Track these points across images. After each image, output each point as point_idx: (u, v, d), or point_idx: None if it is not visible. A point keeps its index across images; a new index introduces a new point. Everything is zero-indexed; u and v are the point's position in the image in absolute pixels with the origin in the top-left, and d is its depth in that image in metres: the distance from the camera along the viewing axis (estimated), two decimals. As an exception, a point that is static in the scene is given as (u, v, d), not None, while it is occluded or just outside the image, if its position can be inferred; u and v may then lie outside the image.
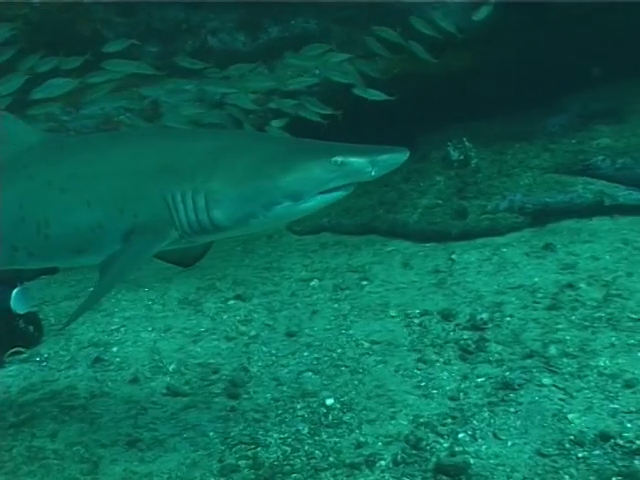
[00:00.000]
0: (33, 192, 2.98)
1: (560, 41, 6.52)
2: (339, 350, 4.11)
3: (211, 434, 3.38)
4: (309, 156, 2.79)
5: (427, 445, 3.11)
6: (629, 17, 6.00)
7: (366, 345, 4.15)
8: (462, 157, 6.43)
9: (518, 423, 3.19)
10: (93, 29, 5.94)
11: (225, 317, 4.82)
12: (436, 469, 2.93)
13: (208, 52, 6.14)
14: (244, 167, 2.79)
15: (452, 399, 3.48)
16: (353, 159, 2.73)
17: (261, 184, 2.74)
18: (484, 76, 6.62)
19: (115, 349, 4.45)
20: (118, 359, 4.31)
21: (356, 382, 3.74)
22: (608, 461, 2.78)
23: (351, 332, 4.34)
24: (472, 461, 2.96)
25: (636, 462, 2.73)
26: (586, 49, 6.32)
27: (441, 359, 3.88)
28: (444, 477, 2.87)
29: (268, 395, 3.74)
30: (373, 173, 2.75)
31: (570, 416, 3.13)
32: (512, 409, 3.29)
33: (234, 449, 3.24)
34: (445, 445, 3.10)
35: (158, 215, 2.80)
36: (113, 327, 4.73)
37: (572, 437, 2.99)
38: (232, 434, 3.36)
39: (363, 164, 2.73)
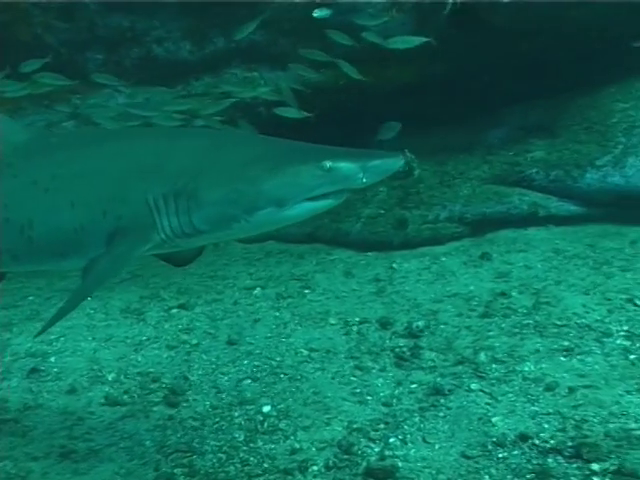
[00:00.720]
0: (17, 192, 2.84)
1: (500, 58, 6.78)
2: (278, 358, 4.18)
3: (148, 443, 3.40)
4: (296, 159, 2.67)
5: (359, 450, 3.22)
6: (560, 38, 6.27)
7: (305, 353, 4.24)
8: (406, 168, 6.58)
9: (446, 427, 3.32)
10: (34, 34, 5.84)
11: (167, 326, 4.83)
12: (366, 473, 3.03)
13: (153, 61, 6.14)
14: (227, 168, 2.70)
15: (386, 405, 3.59)
16: (343, 164, 2.59)
17: (243, 187, 2.63)
18: (428, 89, 6.82)
19: (53, 359, 4.41)
20: (56, 369, 4.27)
21: (294, 389, 3.82)
22: (525, 460, 2.94)
23: (291, 340, 4.42)
24: (400, 464, 3.08)
25: (549, 460, 2.89)
26: (523, 66, 6.59)
27: (377, 366, 3.99)
28: (373, 480, 2.97)
29: (207, 403, 3.79)
30: (364, 180, 2.61)
31: (494, 419, 3.29)
32: (441, 414, 3.43)
33: (170, 457, 3.28)
34: (376, 450, 3.21)
35: (140, 218, 2.70)
36: (52, 337, 4.68)
37: (494, 439, 3.14)
38: (169, 443, 3.40)
39: (353, 170, 2.59)
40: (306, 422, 3.50)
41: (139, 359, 4.37)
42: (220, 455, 3.28)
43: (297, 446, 3.29)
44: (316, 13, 5.57)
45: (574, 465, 2.81)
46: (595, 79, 6.50)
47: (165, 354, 4.43)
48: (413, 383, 3.76)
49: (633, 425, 3.02)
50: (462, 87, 6.72)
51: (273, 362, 4.14)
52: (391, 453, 3.17)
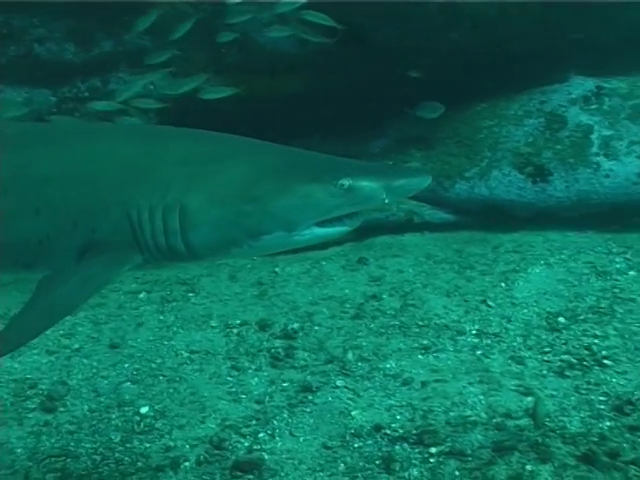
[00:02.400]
0: None
1: (381, 73, 7.21)
2: (159, 360, 4.33)
3: (19, 451, 3.44)
4: (309, 175, 2.34)
5: (229, 445, 3.44)
6: (438, 57, 6.77)
7: (185, 355, 4.40)
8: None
9: (311, 421, 3.61)
10: None
11: (48, 331, 4.81)
12: (233, 466, 3.26)
13: (36, 60, 6.04)
14: (229, 182, 2.34)
15: (258, 402, 3.83)
16: (364, 183, 2.29)
17: (248, 207, 2.29)
18: (316, 100, 7.14)
19: None
20: None
21: (172, 390, 3.98)
22: (376, 448, 3.27)
23: (173, 342, 4.57)
24: (267, 457, 3.33)
25: (396, 447, 3.24)
26: (401, 79, 7.05)
27: (253, 366, 4.23)
28: (239, 473, 3.20)
29: (85, 407, 3.87)
30: (387, 200, 2.34)
31: (354, 413, 3.61)
32: (308, 409, 3.72)
33: (42, 463, 3.34)
34: (246, 444, 3.45)
35: (119, 233, 2.34)
36: None
37: (352, 430, 3.46)
38: (42, 449, 3.46)
39: (376, 190, 2.31)
40: (182, 421, 3.67)
41: (16, 366, 4.35)
42: (95, 457, 3.39)
43: (171, 444, 3.46)
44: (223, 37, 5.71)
45: (416, 450, 3.18)
46: (467, 97, 7.08)
47: (45, 359, 4.44)
48: (285, 382, 4.03)
49: (469, 412, 3.44)
50: (347, 99, 7.10)
51: (153, 364, 4.28)
52: (259, 447, 3.41)
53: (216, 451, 3.39)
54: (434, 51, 6.88)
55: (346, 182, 2.28)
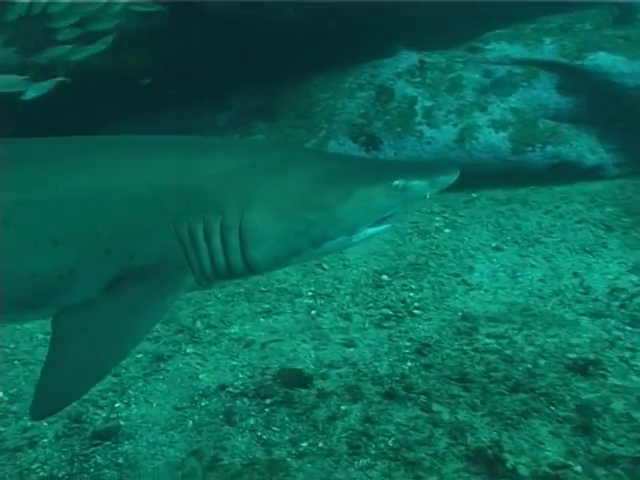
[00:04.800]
0: None
1: (221, 45, 7.44)
2: (13, 345, 4.49)
3: None
4: (367, 179, 2.32)
5: (87, 418, 3.76)
6: (277, 27, 7.12)
7: (41, 337, 4.60)
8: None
9: (164, 387, 4.02)
10: None
11: None
12: (92, 436, 3.60)
13: None
14: (290, 192, 2.22)
15: (115, 375, 4.16)
16: (415, 182, 2.34)
17: (314, 216, 2.20)
18: (159, 73, 7.26)
19: None
20: None
21: (27, 373, 4.20)
22: (220, 405, 3.76)
23: (27, 326, 4.73)
24: (123, 423, 3.71)
25: (237, 402, 3.75)
26: (246, 54, 7.35)
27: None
28: (98, 441, 3.56)
29: (-62, 397, 3.99)
30: (427, 196, 2.42)
31: (201, 376, 4.07)
32: (161, 377, 4.12)
33: None
34: (103, 415, 3.79)
35: (166, 257, 2.11)
36: None
37: (200, 392, 3.92)
38: None
39: (424, 187, 2.37)
40: (39, 401, 3.92)
41: None
42: (-48, 445, 3.58)
43: (29, 425, 3.72)
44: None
45: (254, 402, 3.70)
46: (305, 71, 7.55)
47: None
48: (140, 353, 4.38)
49: (300, 366, 4.02)
50: (190, 73, 7.30)
51: (7, 349, 4.44)
52: (116, 415, 3.77)
53: (75, 424, 3.71)
54: (272, 23, 7.21)
55: (400, 183, 2.30)
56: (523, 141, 7.13)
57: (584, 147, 7.26)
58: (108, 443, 3.54)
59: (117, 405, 3.87)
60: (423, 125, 7.15)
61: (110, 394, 3.98)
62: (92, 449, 3.48)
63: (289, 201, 2.21)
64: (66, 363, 1.98)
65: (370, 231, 2.36)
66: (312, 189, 2.24)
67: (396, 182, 2.30)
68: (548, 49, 7.53)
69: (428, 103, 7.27)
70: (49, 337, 4.49)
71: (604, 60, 7.23)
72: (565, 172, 7.12)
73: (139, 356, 4.35)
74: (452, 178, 2.45)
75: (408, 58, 7.64)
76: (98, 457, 3.42)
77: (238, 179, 2.19)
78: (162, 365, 4.22)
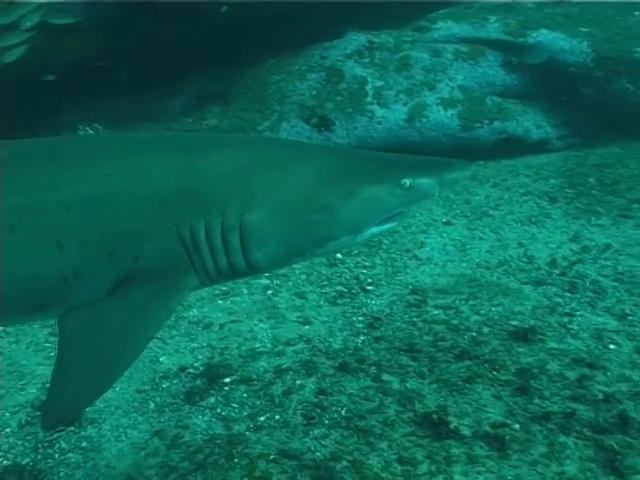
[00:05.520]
0: None
1: (177, 30, 7.42)
2: (-28, 338, 4.53)
3: None
4: (373, 177, 2.26)
5: (50, 405, 3.85)
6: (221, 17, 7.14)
7: (-1, 329, 4.64)
8: (94, 138, 6.99)
9: (126, 372, 4.11)
10: None
11: None
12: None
13: None
14: (292, 192, 2.19)
15: (76, 363, 4.25)
16: (422, 180, 2.28)
17: (317, 216, 2.18)
18: (111, 59, 7.21)
19: None
20: None
21: (-12, 364, 4.25)
22: (181, 386, 3.89)
23: None
24: (88, 409, 3.80)
25: (197, 382, 3.87)
26: (198, 38, 7.34)
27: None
28: (62, 427, 3.64)
29: None
30: (436, 194, 2.37)
31: (162, 359, 4.18)
32: (122, 362, 4.21)
33: None
34: (65, 401, 3.88)
35: (170, 258, 2.11)
36: None
37: (161, 374, 4.03)
38: None
39: (432, 186, 2.31)
40: (1, 392, 3.99)
41: None
42: None
43: (-9, 415, 3.79)
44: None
45: (214, 382, 3.83)
46: (256, 54, 7.59)
47: None
48: (100, 340, 4.46)
49: (258, 345, 4.17)
50: (143, 57, 7.26)
51: (-33, 342, 4.47)
52: (78, 402, 3.87)
53: (38, 412, 3.79)
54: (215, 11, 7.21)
55: (407, 181, 2.25)
56: (471, 118, 7.34)
57: (530, 122, 7.51)
58: (72, 428, 3.64)
59: (80, 391, 3.95)
60: (374, 105, 7.29)
61: (72, 381, 4.06)
62: (56, 435, 3.58)
63: (291, 201, 2.17)
64: (74, 370, 2.00)
65: (375, 230, 2.32)
66: (315, 188, 2.19)
67: (402, 181, 2.25)
68: (492, 27, 7.73)
69: (378, 83, 7.41)
70: (9, 328, 4.55)
71: (545, 37, 7.47)
72: (512, 147, 7.37)
73: (100, 343, 4.43)
74: (463, 175, 2.41)
75: (357, 39, 7.74)
76: (62, 442, 3.52)
77: (240, 179, 2.16)
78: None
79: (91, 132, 7.04)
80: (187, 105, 7.63)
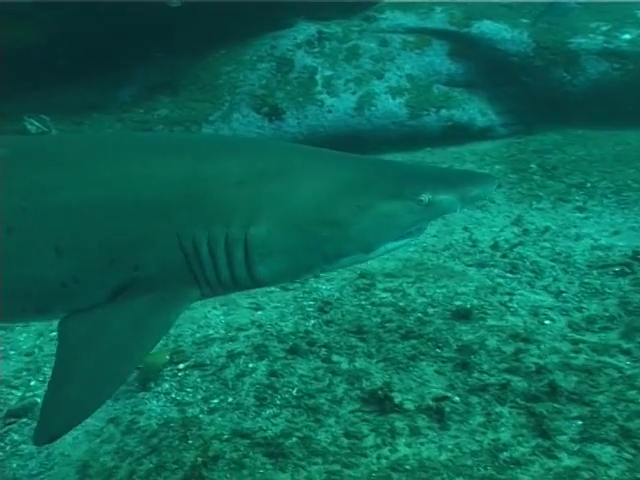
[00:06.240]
0: None
1: (123, 21, 7.37)
2: None
3: None
4: (389, 192, 2.12)
5: (1, 399, 3.86)
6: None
7: None
8: (41, 130, 6.91)
9: (79, 362, 4.16)
10: None
11: None
12: (7, 415, 3.70)
13: None
14: (302, 205, 2.06)
15: (28, 355, 4.26)
16: (443, 197, 2.14)
17: (327, 232, 2.05)
18: (56, 48, 7.12)
19: None
20: None
21: (-61, 359, 4.22)
22: (135, 373, 3.95)
23: None
24: (39, 400, 3.83)
25: (151, 370, 3.95)
26: (146, 28, 7.31)
27: (20, 325, 4.59)
28: (13, 419, 3.67)
29: None
30: (457, 211, 2.23)
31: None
32: (76, 352, 4.25)
33: None
34: (18, 394, 3.90)
35: (170, 269, 2.02)
36: None
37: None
38: None
39: (453, 203, 2.16)
40: (-47, 385, 3.99)
41: None
42: None
43: (-58, 410, 3.78)
44: None
45: (168, 368, 3.91)
46: (207, 43, 7.61)
47: None
48: (53, 331, 4.47)
49: (211, 331, 4.26)
50: (90, 47, 7.20)
51: None
52: (31, 394, 3.89)
53: (-13, 407, 3.80)
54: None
55: (426, 197, 2.12)
56: (419, 106, 7.53)
57: (475, 110, 7.76)
58: (24, 420, 3.66)
59: (32, 383, 3.98)
60: (324, 94, 7.41)
61: (24, 373, 4.08)
62: (7, 427, 3.60)
63: (300, 215, 2.05)
64: (71, 379, 1.92)
65: (390, 245, 2.19)
66: (326, 201, 2.07)
67: (422, 196, 2.11)
68: (438, 17, 7.93)
69: (327, 72, 7.52)
70: None
71: (489, 28, 7.71)
72: (458, 134, 7.61)
73: (53, 334, 4.45)
74: (488, 191, 2.26)
75: (306, 29, 7.84)
76: (14, 434, 3.55)
77: (247, 188, 2.04)
78: None
79: (37, 124, 6.96)
80: (137, 95, 7.60)
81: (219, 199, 2.01)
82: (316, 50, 7.66)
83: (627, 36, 7.35)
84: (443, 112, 7.58)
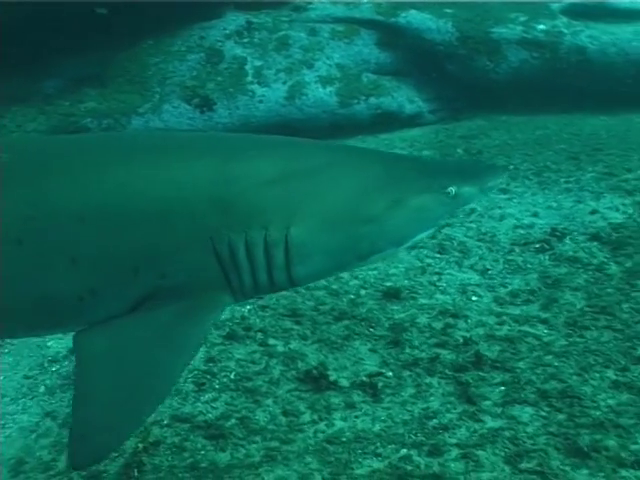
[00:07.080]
0: None
1: (47, 13, 7.14)
2: None
3: None
4: (420, 186, 2.15)
5: None
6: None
7: None
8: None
9: (11, 359, 4.09)
10: None
11: None
12: (-62, 415, 3.63)
13: None
14: (338, 202, 2.03)
15: None
16: (467, 189, 2.19)
17: (364, 229, 2.03)
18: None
19: None
20: None
21: None
22: (72, 366, 3.92)
23: None
24: (-29, 399, 3.76)
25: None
26: (70, 20, 7.10)
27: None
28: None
29: None
30: (475, 202, 2.33)
31: (50, 343, 4.18)
32: (7, 350, 4.17)
33: None
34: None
35: (203, 276, 1.92)
36: None
37: (50, 358, 4.04)
38: None
39: (474, 194, 2.24)
40: None
41: None
42: None
43: None
44: None
45: (104, 361, 3.91)
46: (134, 34, 7.48)
47: None
48: None
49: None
50: (11, 37, 6.95)
51: None
52: (-38, 393, 3.81)
53: None
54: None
55: (453, 189, 2.15)
56: (349, 95, 7.67)
57: (403, 98, 7.96)
58: (-46, 420, 3.59)
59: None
60: (254, 84, 7.43)
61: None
62: (-61, 428, 3.52)
63: (337, 212, 2.02)
64: (95, 403, 1.77)
65: (418, 238, 2.22)
66: (362, 198, 2.06)
67: (449, 188, 2.15)
68: (366, 8, 8.07)
69: (258, 63, 7.55)
70: None
71: (415, 18, 7.91)
72: (387, 121, 7.79)
73: None
74: (499, 181, 2.35)
75: (235, 19, 7.83)
76: (-53, 435, 3.47)
77: (281, 188, 1.98)
78: (7, 339, 4.25)
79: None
80: (62, 88, 7.41)
81: (254, 200, 1.94)
82: (246, 40, 7.67)
83: (542, 26, 7.71)
84: (372, 100, 7.74)
